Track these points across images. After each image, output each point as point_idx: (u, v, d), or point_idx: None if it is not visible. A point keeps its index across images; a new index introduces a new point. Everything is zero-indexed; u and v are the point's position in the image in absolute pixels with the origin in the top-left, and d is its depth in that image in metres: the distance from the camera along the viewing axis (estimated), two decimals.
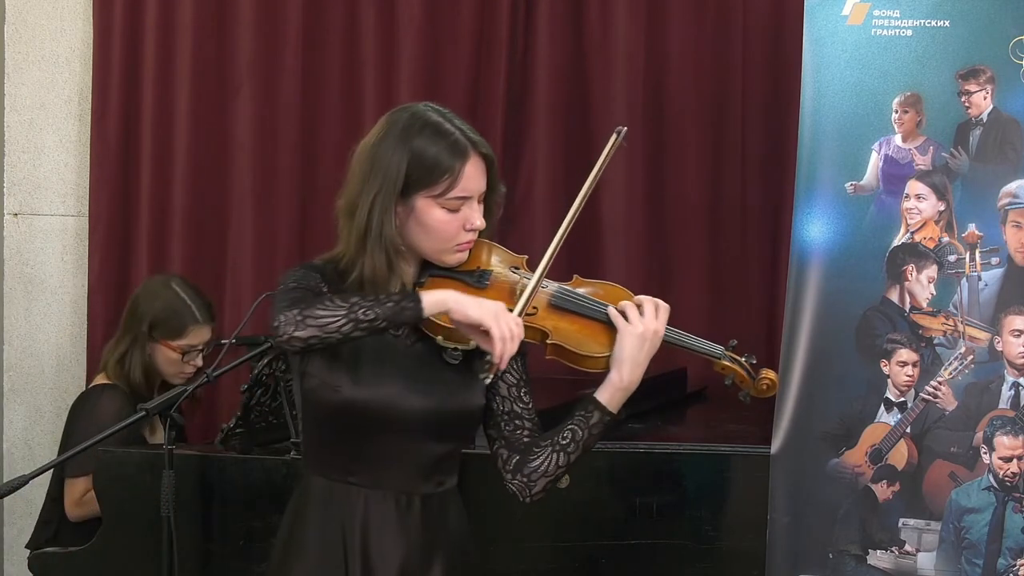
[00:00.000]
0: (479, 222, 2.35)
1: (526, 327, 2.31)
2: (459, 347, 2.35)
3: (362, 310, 2.19)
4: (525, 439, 2.40)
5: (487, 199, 2.40)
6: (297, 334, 2.19)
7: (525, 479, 2.38)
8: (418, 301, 2.21)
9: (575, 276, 2.46)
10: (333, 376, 2.32)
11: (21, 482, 2.99)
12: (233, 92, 4.24)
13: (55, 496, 3.60)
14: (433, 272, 2.40)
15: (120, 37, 4.25)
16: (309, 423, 2.41)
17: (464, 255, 2.39)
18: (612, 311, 2.37)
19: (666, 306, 2.38)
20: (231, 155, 4.26)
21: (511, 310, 2.28)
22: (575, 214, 2.40)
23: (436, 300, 2.22)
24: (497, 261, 2.44)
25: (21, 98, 4.38)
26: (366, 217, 2.32)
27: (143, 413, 3.00)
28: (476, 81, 4.22)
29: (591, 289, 2.44)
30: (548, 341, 2.34)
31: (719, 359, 2.42)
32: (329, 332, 2.19)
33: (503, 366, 2.22)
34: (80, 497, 3.50)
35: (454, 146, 2.31)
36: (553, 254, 2.38)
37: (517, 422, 2.41)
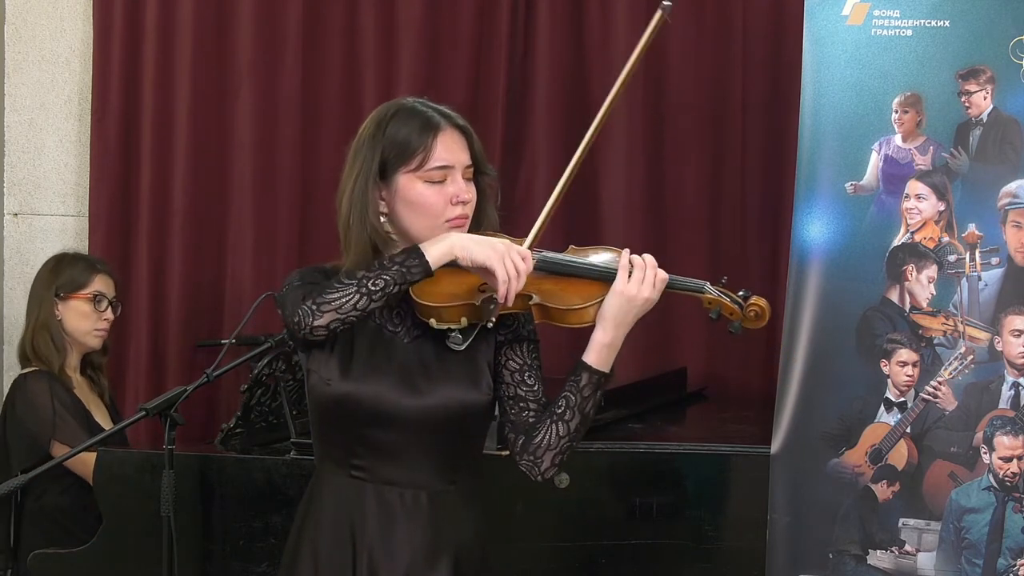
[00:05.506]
0: (467, 195, 2.36)
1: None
2: (453, 328, 2.33)
3: (370, 281, 2.24)
4: (531, 420, 2.40)
5: (477, 180, 2.40)
6: (318, 323, 2.24)
7: (532, 457, 2.37)
8: (422, 255, 2.24)
9: (570, 246, 2.45)
10: (326, 371, 2.34)
11: (21, 482, 3.00)
12: (233, 92, 4.25)
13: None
14: None
15: (120, 37, 4.25)
16: (313, 419, 2.43)
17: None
18: (624, 260, 2.34)
19: (664, 276, 2.35)
20: (231, 154, 4.26)
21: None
22: (592, 135, 2.48)
23: (441, 249, 2.25)
24: None
25: (21, 98, 4.38)
26: (348, 205, 2.36)
27: (143, 413, 3.00)
28: (476, 81, 4.22)
29: (583, 253, 2.43)
30: (531, 303, 2.33)
31: (703, 293, 2.39)
32: (346, 311, 2.24)
33: (510, 303, 2.24)
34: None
35: (426, 121, 2.35)
36: (566, 184, 2.42)
37: (522, 404, 2.41)
